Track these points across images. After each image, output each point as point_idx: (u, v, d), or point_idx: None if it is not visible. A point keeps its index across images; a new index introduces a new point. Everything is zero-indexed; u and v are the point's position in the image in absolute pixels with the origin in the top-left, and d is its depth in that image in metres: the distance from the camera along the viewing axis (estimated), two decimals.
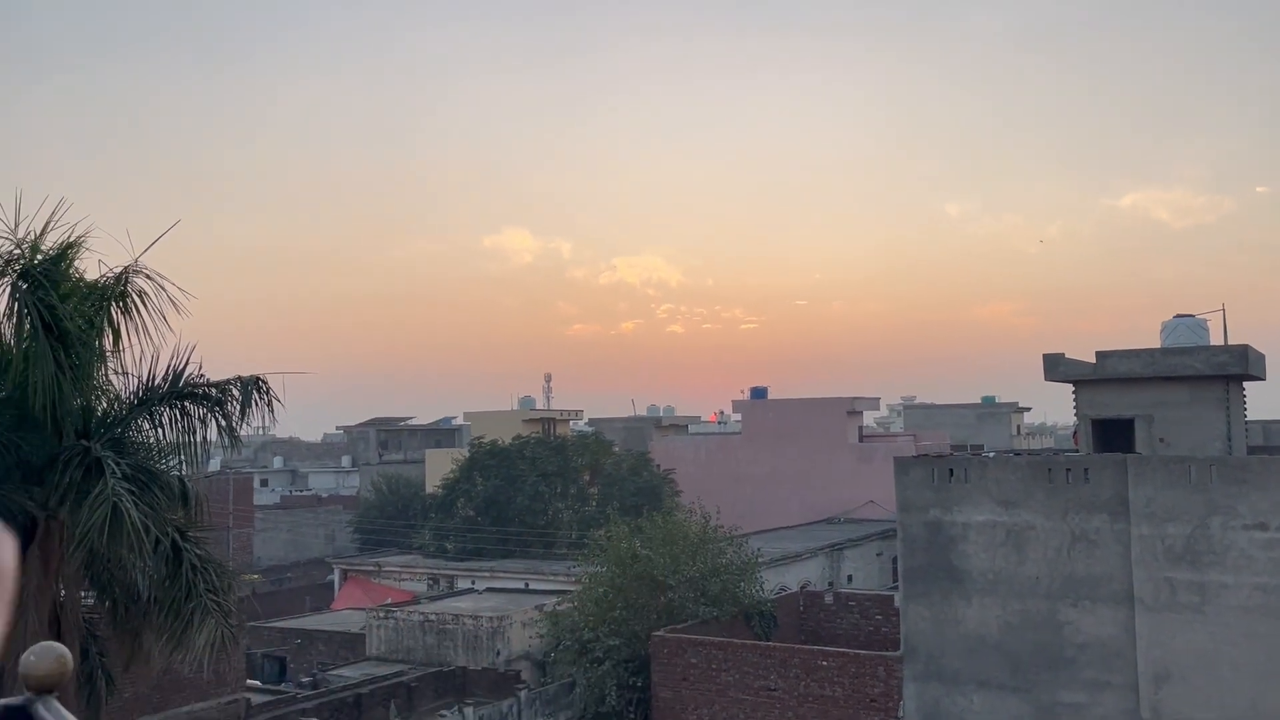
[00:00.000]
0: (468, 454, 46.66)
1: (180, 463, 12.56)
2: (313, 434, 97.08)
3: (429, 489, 52.06)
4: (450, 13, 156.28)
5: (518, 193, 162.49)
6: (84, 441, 11.59)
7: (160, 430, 12.60)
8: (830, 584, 34.90)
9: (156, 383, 12.53)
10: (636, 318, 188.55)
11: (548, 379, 69.35)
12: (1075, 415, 22.92)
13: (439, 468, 50.78)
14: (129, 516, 10.67)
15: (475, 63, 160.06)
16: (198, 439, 12.47)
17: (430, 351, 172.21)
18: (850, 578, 36.91)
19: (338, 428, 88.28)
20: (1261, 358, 22.87)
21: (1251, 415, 24.58)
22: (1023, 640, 20.40)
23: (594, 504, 42.86)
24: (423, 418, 74.53)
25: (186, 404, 12.61)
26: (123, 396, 12.63)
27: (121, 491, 10.86)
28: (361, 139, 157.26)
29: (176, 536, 12.11)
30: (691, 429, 69.30)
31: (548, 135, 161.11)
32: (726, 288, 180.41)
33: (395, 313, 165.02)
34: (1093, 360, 22.10)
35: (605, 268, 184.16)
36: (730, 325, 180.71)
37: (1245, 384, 22.57)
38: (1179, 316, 23.60)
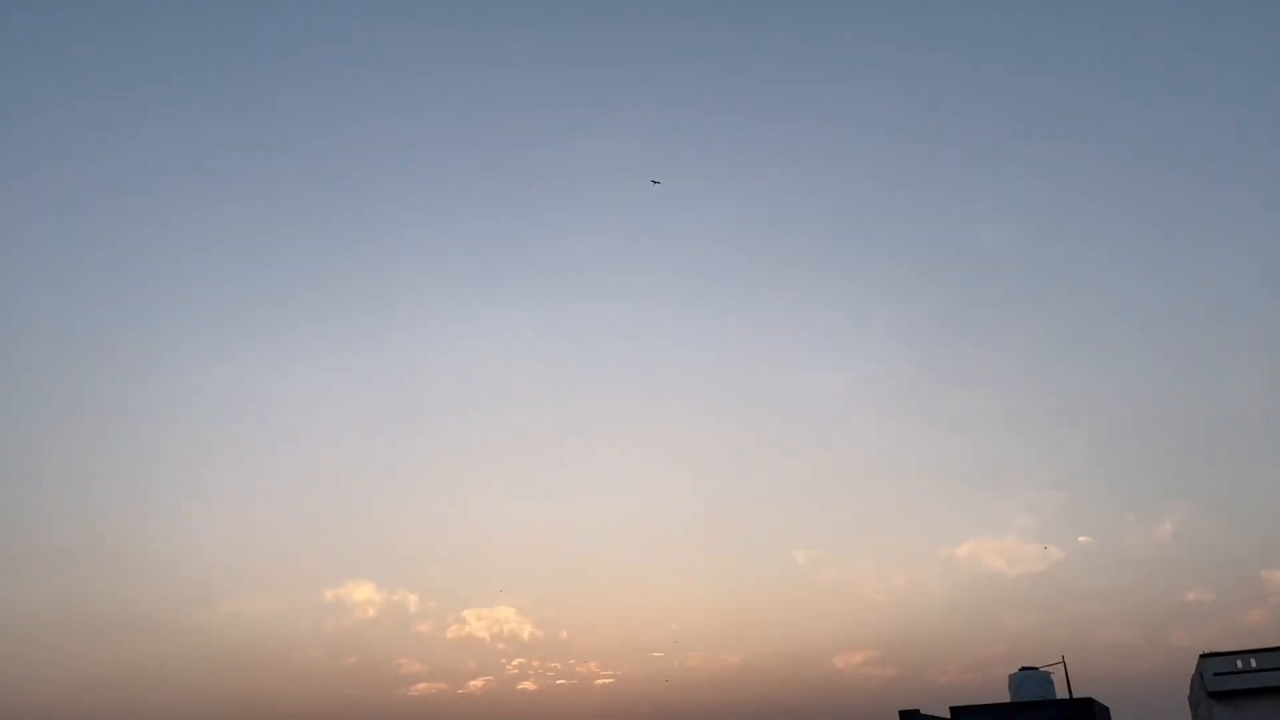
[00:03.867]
0: None
1: None
2: None
3: None
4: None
5: (361, 544, 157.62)
6: None
7: None
8: None
9: None
10: (485, 675, 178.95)
11: None
12: None
13: None
14: None
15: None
16: None
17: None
18: None
19: None
20: (1106, 709, 23.22)
21: None
22: None
23: None
24: None
25: None
26: None
27: None
28: None
29: None
30: None
31: (396, 484, 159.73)
32: (581, 641, 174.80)
33: (220, 683, 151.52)
34: (947, 715, 21.96)
35: (454, 620, 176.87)
36: (585, 680, 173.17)
37: None
38: (1024, 669, 23.96)
